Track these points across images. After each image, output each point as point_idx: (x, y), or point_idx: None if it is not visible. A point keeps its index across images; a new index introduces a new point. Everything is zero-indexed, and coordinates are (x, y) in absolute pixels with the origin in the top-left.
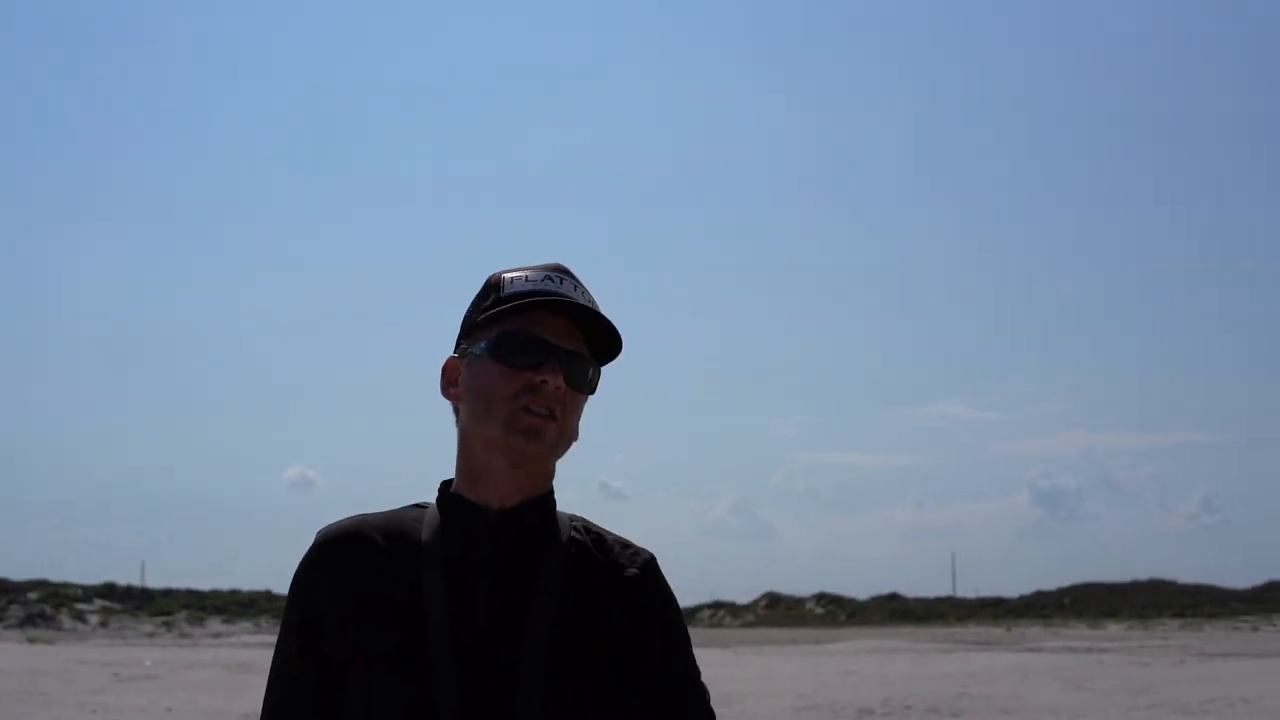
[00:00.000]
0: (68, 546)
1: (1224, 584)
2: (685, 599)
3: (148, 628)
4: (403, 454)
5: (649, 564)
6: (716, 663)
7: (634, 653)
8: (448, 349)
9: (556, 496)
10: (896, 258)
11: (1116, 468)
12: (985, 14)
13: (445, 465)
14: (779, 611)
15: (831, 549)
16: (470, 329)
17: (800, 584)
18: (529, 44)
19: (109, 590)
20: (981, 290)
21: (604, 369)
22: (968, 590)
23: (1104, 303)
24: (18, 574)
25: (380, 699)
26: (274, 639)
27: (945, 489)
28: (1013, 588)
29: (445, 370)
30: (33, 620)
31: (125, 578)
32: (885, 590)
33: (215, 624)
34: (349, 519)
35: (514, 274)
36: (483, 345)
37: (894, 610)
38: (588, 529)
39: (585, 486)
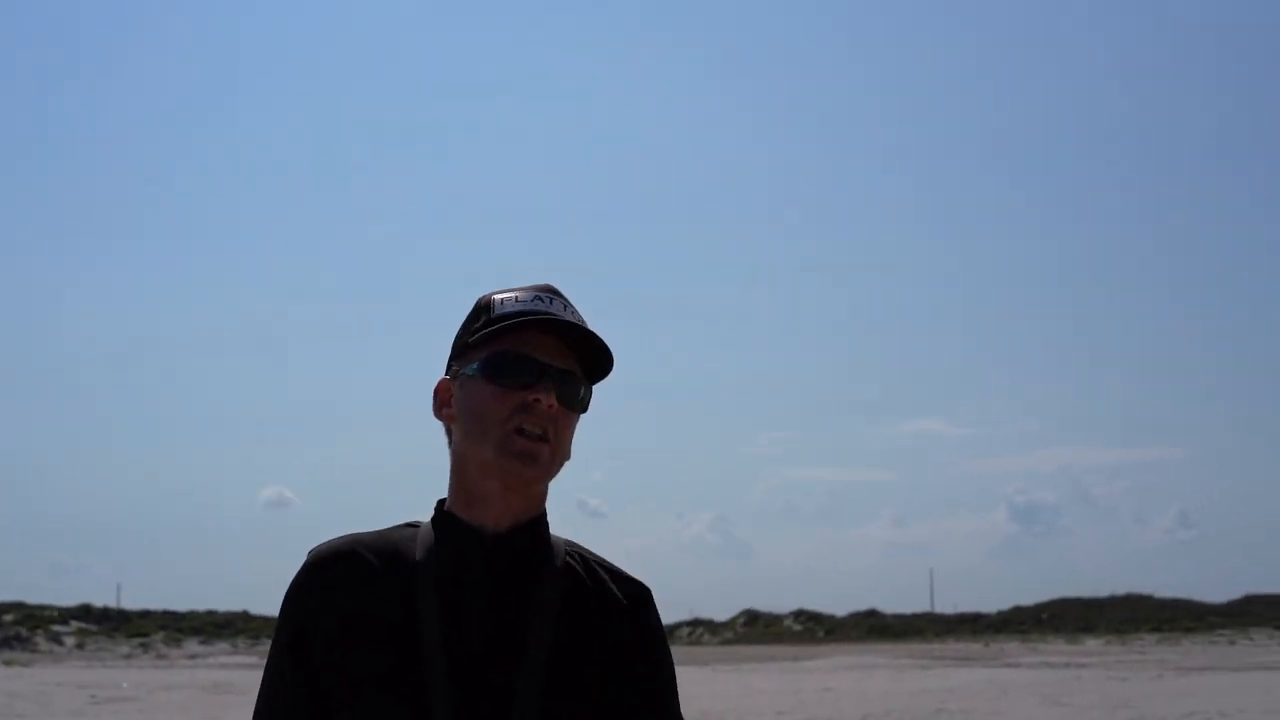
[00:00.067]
0: (43, 568)
1: (1201, 598)
2: (663, 617)
3: (124, 649)
4: (379, 474)
5: (644, 596)
6: (695, 681)
7: (621, 684)
8: (424, 371)
9: None
10: (875, 276)
11: (1093, 483)
12: (961, 30)
13: (422, 484)
14: (757, 629)
15: (810, 565)
16: (462, 350)
17: (778, 601)
18: (496, 63)
19: (85, 612)
20: (959, 308)
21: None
22: (946, 606)
23: (1079, 320)
24: None
25: (374, 718)
26: (251, 659)
27: (923, 505)
28: (991, 603)
29: (437, 392)
30: (8, 643)
31: (101, 599)
32: (863, 607)
33: (192, 645)
34: (341, 538)
35: (504, 295)
36: (475, 366)
37: (872, 627)
38: (583, 555)
39: (563, 504)
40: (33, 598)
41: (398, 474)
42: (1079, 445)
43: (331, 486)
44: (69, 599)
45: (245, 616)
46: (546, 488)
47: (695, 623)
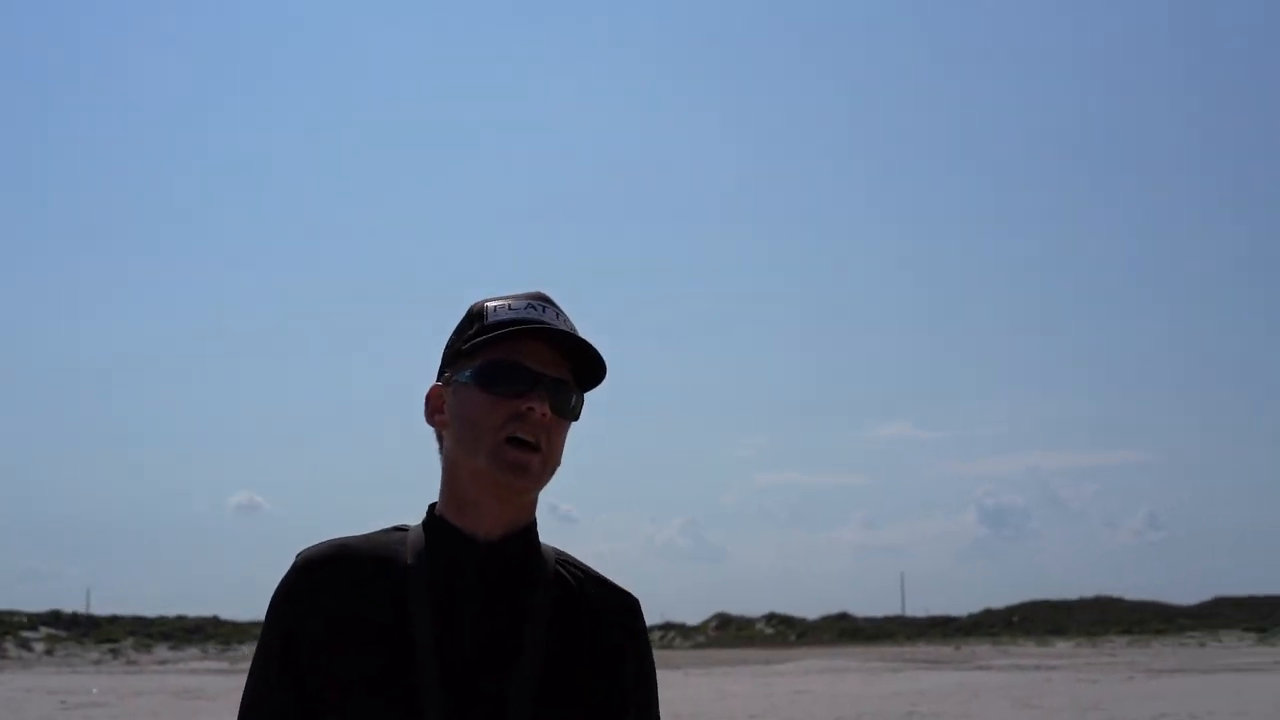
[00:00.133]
0: (12, 575)
1: (1170, 600)
2: None
3: (94, 655)
4: (350, 478)
5: (633, 607)
6: (667, 685)
7: (610, 693)
8: (395, 375)
9: None
10: (845, 281)
11: (1062, 486)
12: (918, 33)
13: (393, 488)
14: (729, 632)
15: (781, 569)
16: (454, 357)
17: (750, 605)
18: (463, 71)
19: (55, 618)
20: (928, 313)
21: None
22: (917, 609)
23: (1047, 324)
24: None
25: None
26: (222, 665)
27: (894, 509)
28: (961, 606)
29: (429, 398)
30: None
31: (71, 605)
32: (835, 610)
33: (162, 650)
34: (329, 541)
35: (497, 302)
36: (468, 373)
37: (844, 630)
38: (572, 564)
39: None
40: (2, 604)
41: (368, 478)
42: (1048, 448)
43: (301, 491)
44: (38, 605)
45: (215, 622)
46: (537, 496)
47: (667, 626)
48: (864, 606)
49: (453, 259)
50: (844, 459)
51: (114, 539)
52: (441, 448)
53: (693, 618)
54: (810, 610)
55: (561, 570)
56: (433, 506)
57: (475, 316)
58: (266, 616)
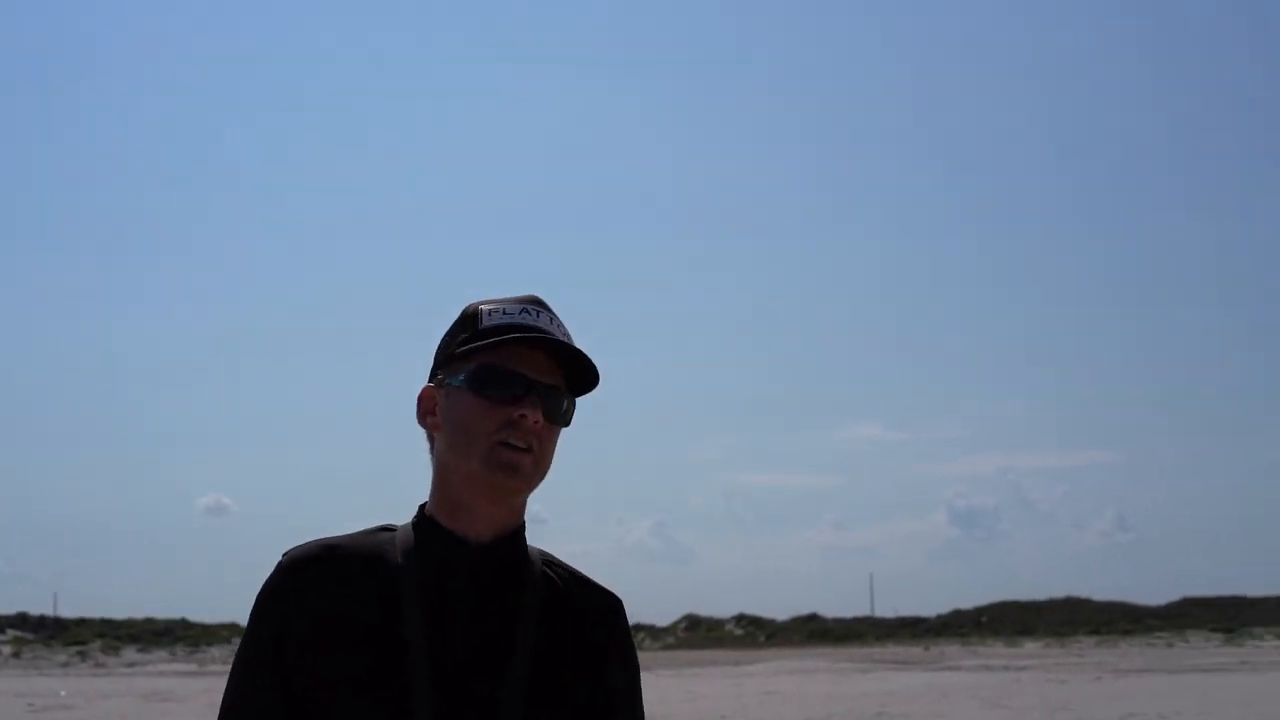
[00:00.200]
0: None
1: (1138, 601)
2: None
3: (61, 658)
4: (319, 480)
5: (616, 607)
6: None
7: (597, 693)
8: (364, 377)
9: None
10: (812, 281)
11: (1031, 487)
12: (883, 34)
13: (363, 490)
14: (699, 633)
15: (750, 570)
16: (447, 359)
17: (720, 606)
18: (418, 73)
19: (21, 620)
20: (897, 313)
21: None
22: (886, 610)
23: (1015, 324)
24: None
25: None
26: (190, 667)
27: (863, 510)
28: (931, 607)
29: (421, 399)
30: None
31: (38, 608)
32: (804, 611)
33: (130, 653)
34: (316, 540)
35: (491, 306)
36: (461, 378)
37: (813, 631)
38: (557, 565)
39: None
40: None
41: (337, 480)
42: (1017, 449)
43: (270, 493)
44: (5, 607)
45: (184, 624)
46: (526, 500)
47: (636, 628)
48: (833, 607)
49: (414, 262)
50: (814, 460)
51: (81, 541)
52: (433, 449)
53: (662, 619)
54: (780, 611)
55: (548, 571)
56: (423, 507)
57: (469, 319)
58: (251, 617)
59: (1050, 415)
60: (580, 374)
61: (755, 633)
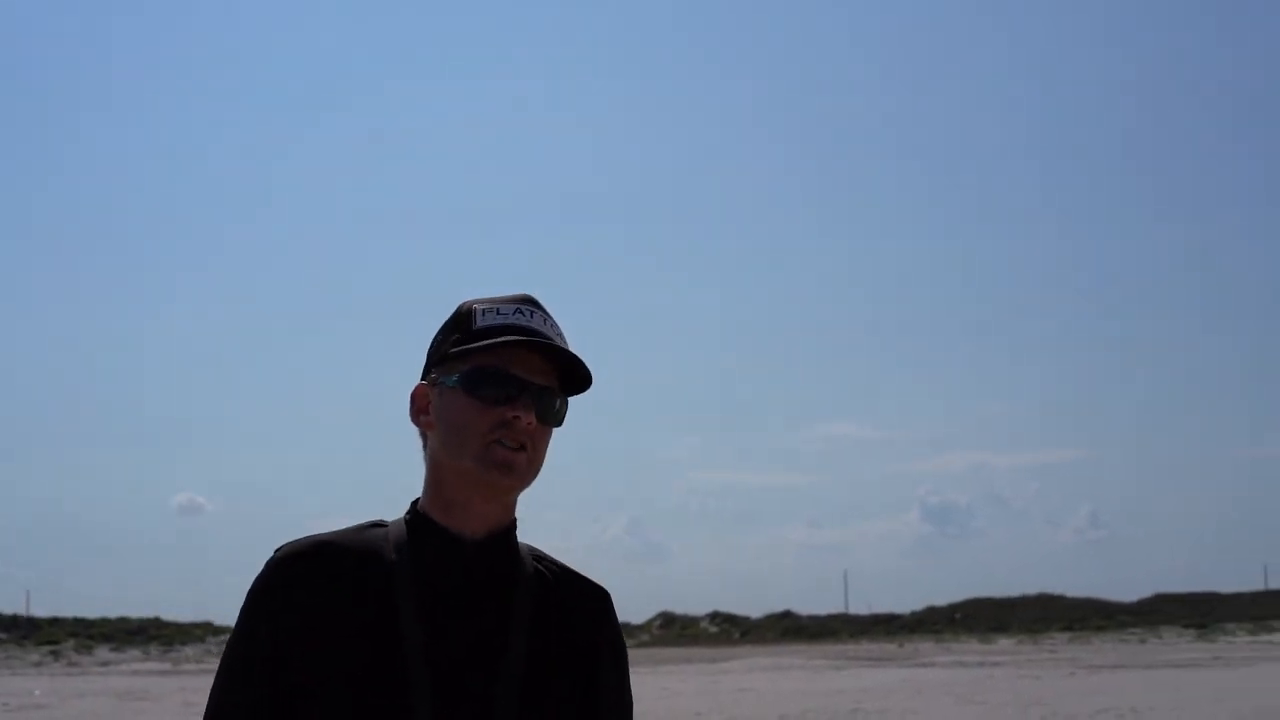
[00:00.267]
0: None
1: (1111, 597)
2: None
3: (34, 657)
4: (293, 479)
5: (604, 600)
6: None
7: (589, 686)
8: (339, 377)
9: None
10: (785, 280)
11: (1004, 484)
12: (854, 29)
13: (339, 489)
14: (673, 631)
15: (725, 568)
16: (441, 358)
17: (694, 603)
18: (389, 71)
19: None
20: (868, 312)
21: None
22: (860, 607)
23: (986, 322)
24: None
25: (352, 716)
26: (164, 666)
27: (837, 507)
28: (904, 604)
29: (415, 397)
30: None
31: (10, 607)
32: (779, 608)
33: (104, 652)
34: (308, 537)
35: (485, 306)
36: (455, 378)
37: (787, 628)
38: (547, 561)
39: None
40: None
41: (312, 479)
42: (990, 447)
43: (244, 492)
44: None
45: (158, 623)
46: (517, 498)
47: None
48: (808, 605)
49: (392, 260)
50: (788, 458)
51: (54, 540)
52: (426, 447)
53: (637, 617)
54: (754, 609)
55: (539, 567)
56: (415, 503)
57: (463, 318)
58: (241, 612)
59: (1023, 413)
60: (574, 373)
61: (730, 630)
